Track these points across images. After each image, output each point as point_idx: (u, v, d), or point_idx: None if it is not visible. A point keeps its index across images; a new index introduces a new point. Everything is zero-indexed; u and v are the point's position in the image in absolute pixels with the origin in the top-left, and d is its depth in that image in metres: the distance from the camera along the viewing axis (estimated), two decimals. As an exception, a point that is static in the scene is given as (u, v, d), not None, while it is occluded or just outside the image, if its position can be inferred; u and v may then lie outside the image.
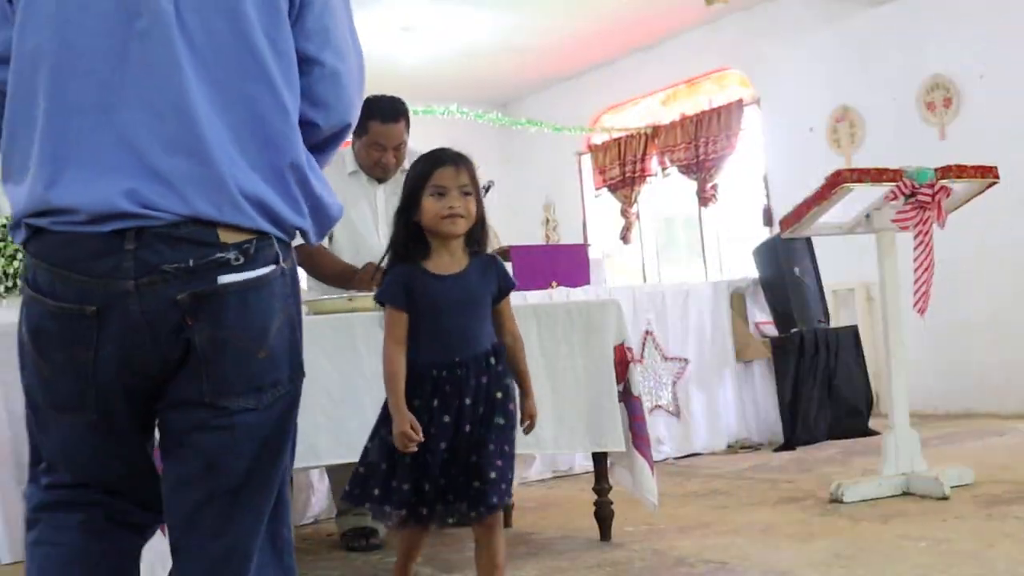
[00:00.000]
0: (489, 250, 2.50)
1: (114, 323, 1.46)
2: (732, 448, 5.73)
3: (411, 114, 3.88)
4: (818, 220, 4.00)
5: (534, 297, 4.94)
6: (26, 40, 1.49)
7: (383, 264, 2.42)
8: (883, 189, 3.87)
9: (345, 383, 3.02)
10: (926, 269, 3.87)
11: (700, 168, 8.53)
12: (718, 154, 8.38)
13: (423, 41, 7.90)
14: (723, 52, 8.40)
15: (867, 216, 4.06)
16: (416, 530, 2.46)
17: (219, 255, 1.46)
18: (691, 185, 8.68)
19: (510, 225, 9.53)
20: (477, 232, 2.39)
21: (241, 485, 1.53)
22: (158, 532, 2.28)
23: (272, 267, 1.52)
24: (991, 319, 6.55)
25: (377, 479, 2.34)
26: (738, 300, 5.98)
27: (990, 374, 6.56)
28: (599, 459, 3.58)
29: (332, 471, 3.94)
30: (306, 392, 2.65)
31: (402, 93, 3.91)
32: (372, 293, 3.21)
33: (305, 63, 1.58)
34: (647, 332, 5.52)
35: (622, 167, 9.23)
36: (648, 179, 9.16)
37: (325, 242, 3.81)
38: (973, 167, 4.03)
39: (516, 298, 4.87)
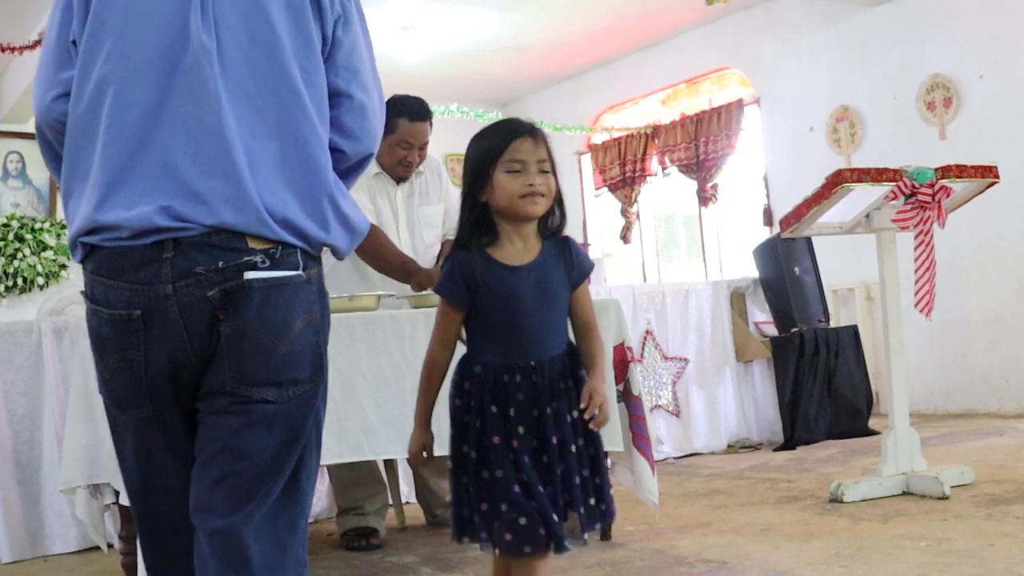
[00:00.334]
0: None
1: (157, 325, 1.61)
2: (732, 448, 5.73)
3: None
4: (818, 220, 4.00)
5: (534, 297, 4.93)
6: (89, 77, 1.65)
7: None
8: (883, 189, 3.87)
9: (345, 383, 3.02)
10: (927, 269, 3.87)
11: (700, 168, 8.53)
12: (718, 154, 8.38)
13: (423, 41, 7.90)
14: (723, 52, 8.40)
15: (867, 216, 4.06)
16: (539, 557, 2.04)
17: (247, 258, 1.60)
18: (691, 185, 8.68)
19: (510, 225, 9.56)
20: (554, 213, 2.12)
21: (255, 470, 1.63)
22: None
23: (296, 272, 1.65)
24: (991, 319, 6.55)
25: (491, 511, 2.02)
26: (738, 300, 5.98)
27: (990, 374, 6.56)
28: (599, 459, 3.58)
29: (332, 471, 3.94)
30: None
31: (402, 93, 3.92)
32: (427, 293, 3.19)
33: (335, 96, 1.74)
34: (647, 332, 5.52)
35: (622, 167, 9.23)
36: (648, 179, 9.16)
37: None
38: (973, 167, 4.03)
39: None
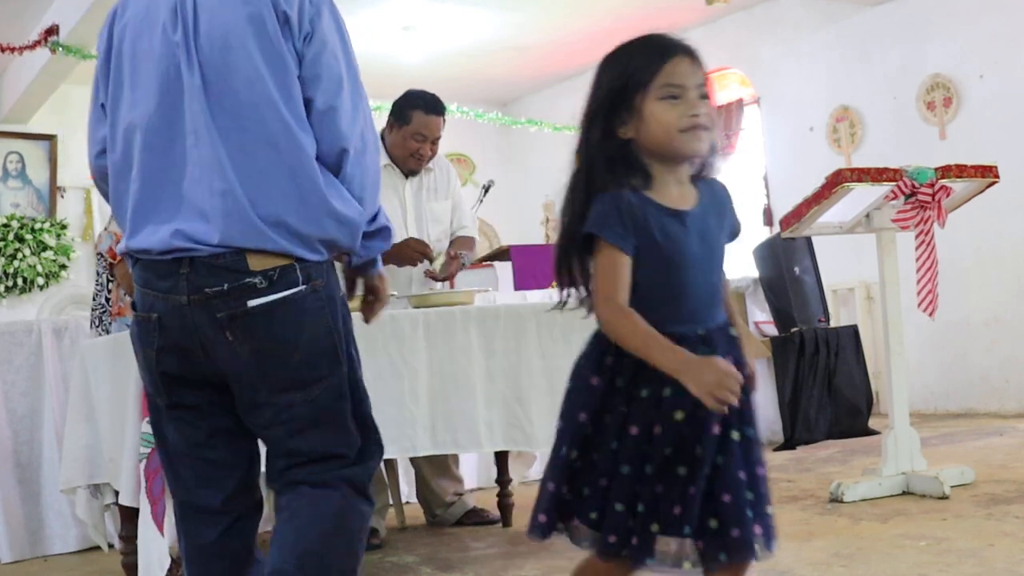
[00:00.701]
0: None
1: (172, 328, 1.88)
2: (732, 448, 5.72)
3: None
4: (818, 220, 4.00)
5: (534, 297, 4.93)
6: (117, 129, 1.95)
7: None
8: (883, 189, 3.87)
9: (345, 382, 3.02)
10: (929, 268, 3.87)
11: (700, 168, 8.51)
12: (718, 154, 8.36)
13: (423, 41, 7.89)
14: (723, 52, 8.39)
15: (867, 216, 4.05)
16: (622, 567, 1.75)
17: (247, 280, 1.84)
18: (691, 185, 8.66)
19: (510, 225, 9.56)
20: (714, 152, 1.79)
21: (319, 455, 1.90)
22: (155, 532, 2.65)
23: (296, 289, 1.87)
24: (991, 319, 6.55)
25: (594, 500, 1.70)
26: (738, 300, 5.98)
27: (990, 374, 6.56)
28: (599, 459, 3.57)
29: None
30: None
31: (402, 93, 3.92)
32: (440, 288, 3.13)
33: (308, 105, 1.92)
34: (647, 332, 5.52)
35: (622, 167, 9.21)
36: (648, 179, 9.14)
37: None
38: (973, 167, 4.03)
39: (516, 298, 4.91)
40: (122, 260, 3.50)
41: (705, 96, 1.75)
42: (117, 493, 3.03)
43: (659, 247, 1.68)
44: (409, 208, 3.91)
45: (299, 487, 1.91)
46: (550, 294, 5.09)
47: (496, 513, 4.02)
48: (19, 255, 8.24)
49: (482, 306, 3.53)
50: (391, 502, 3.98)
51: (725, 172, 8.13)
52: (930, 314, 3.87)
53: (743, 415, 1.73)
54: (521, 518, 4.02)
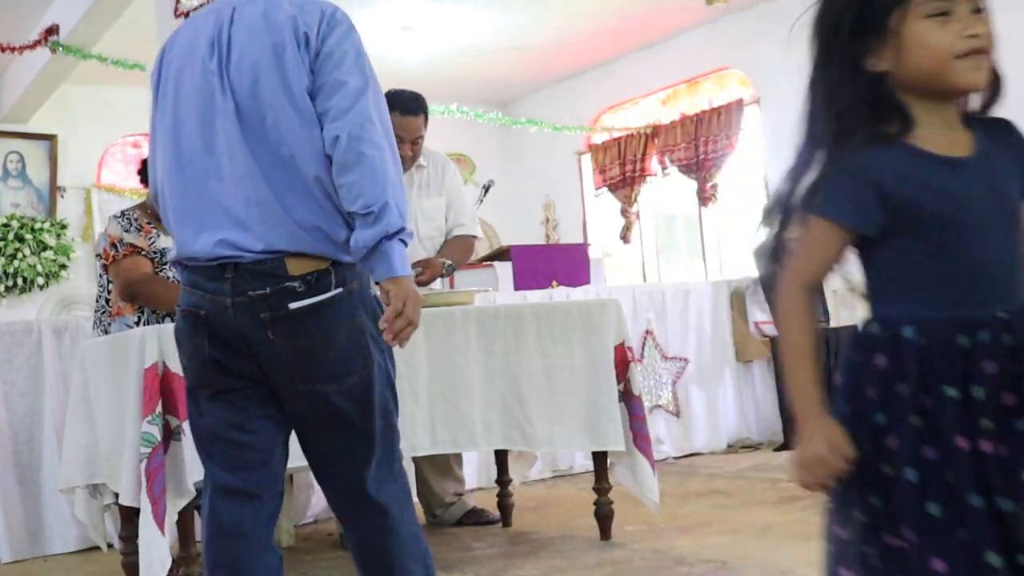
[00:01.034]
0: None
1: (217, 324, 2.07)
2: (732, 448, 5.73)
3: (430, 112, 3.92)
4: (818, 220, 3.99)
5: (534, 296, 4.94)
6: (164, 147, 2.15)
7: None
8: (883, 189, 3.86)
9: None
10: (926, 269, 3.86)
11: (700, 168, 8.53)
12: (718, 154, 8.38)
13: (423, 41, 7.89)
14: (723, 52, 8.40)
15: (867, 216, 4.05)
16: None
17: (287, 284, 2.02)
18: (691, 185, 8.67)
19: (510, 225, 9.56)
20: (997, 85, 1.43)
21: (343, 440, 2.10)
22: (155, 532, 2.68)
23: (332, 292, 2.04)
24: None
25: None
26: (738, 300, 5.98)
27: (990, 374, 6.55)
28: (599, 458, 3.58)
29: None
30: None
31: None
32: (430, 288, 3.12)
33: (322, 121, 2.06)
34: (647, 332, 5.52)
35: (622, 167, 9.23)
36: (648, 179, 9.15)
37: None
38: (973, 167, 4.02)
39: (516, 298, 4.91)
40: (115, 261, 3.50)
41: (980, 10, 1.43)
42: (117, 493, 3.03)
43: (931, 209, 1.32)
44: None
45: (356, 521, 2.17)
46: (550, 294, 5.09)
47: (496, 513, 4.02)
48: (19, 255, 8.24)
49: (482, 306, 3.53)
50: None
51: (726, 172, 8.10)
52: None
53: None
54: (521, 518, 4.03)
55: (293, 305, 2.02)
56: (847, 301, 7.08)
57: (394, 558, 2.14)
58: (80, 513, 3.39)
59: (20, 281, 8.24)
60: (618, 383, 3.47)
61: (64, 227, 8.54)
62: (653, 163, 9.08)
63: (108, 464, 3.08)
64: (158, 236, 3.55)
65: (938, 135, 1.36)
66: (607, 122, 9.55)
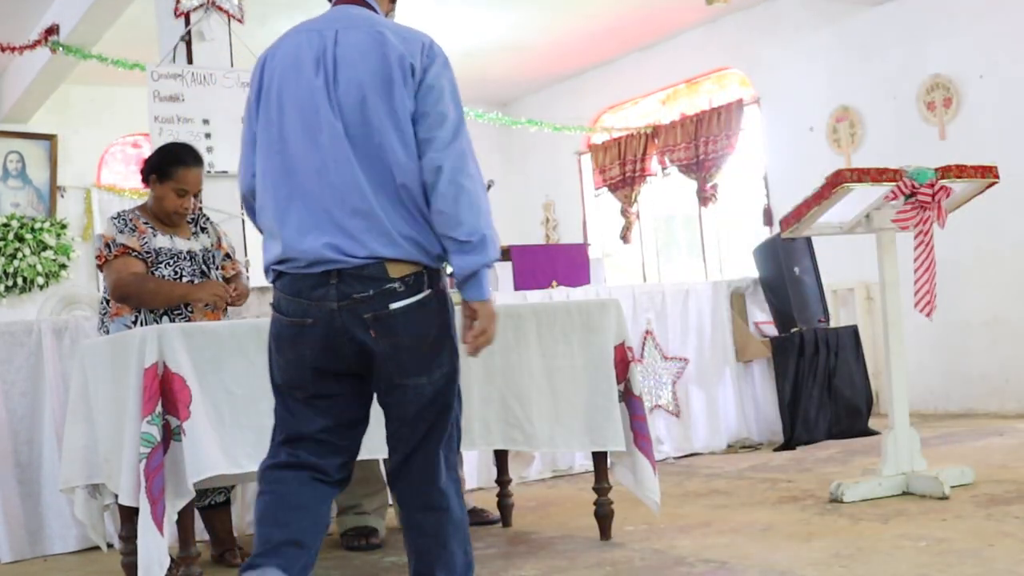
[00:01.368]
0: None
1: (324, 330, 2.28)
2: (732, 448, 5.73)
3: None
4: (818, 220, 4.00)
5: (534, 296, 4.94)
6: (267, 156, 2.36)
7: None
8: (883, 189, 3.87)
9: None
10: (927, 269, 3.87)
11: (700, 168, 8.52)
12: (718, 154, 8.38)
13: None
14: (723, 52, 8.40)
15: (867, 216, 4.06)
16: None
17: (388, 286, 2.25)
18: (691, 185, 8.67)
19: (510, 225, 9.55)
20: None
21: (421, 431, 2.33)
22: (155, 532, 2.68)
23: (425, 293, 2.29)
24: (991, 319, 6.55)
25: None
26: (738, 300, 5.98)
27: (990, 374, 6.56)
28: (599, 458, 3.58)
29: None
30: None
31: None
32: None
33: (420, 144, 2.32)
34: (647, 332, 5.52)
35: (622, 167, 9.22)
36: (648, 179, 9.15)
37: None
38: (973, 167, 4.02)
39: (516, 297, 4.90)
40: (107, 262, 3.51)
41: None
42: (116, 493, 3.03)
43: None
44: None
45: (419, 507, 2.35)
46: (550, 294, 5.09)
47: (496, 513, 4.02)
48: (19, 255, 8.24)
49: (482, 306, 3.52)
50: (391, 502, 3.98)
51: (726, 172, 8.14)
52: (927, 315, 3.87)
53: None
54: (521, 518, 4.02)
55: (393, 305, 2.26)
56: (847, 301, 7.08)
57: (445, 541, 2.34)
58: (80, 513, 3.39)
59: (20, 281, 8.24)
60: (618, 383, 3.46)
61: (64, 227, 8.54)
62: (653, 163, 9.08)
63: (107, 464, 3.08)
64: (154, 236, 3.55)
65: None
66: (607, 122, 9.54)
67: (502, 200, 8.00)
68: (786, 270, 5.81)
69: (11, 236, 8.22)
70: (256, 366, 2.95)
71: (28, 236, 8.29)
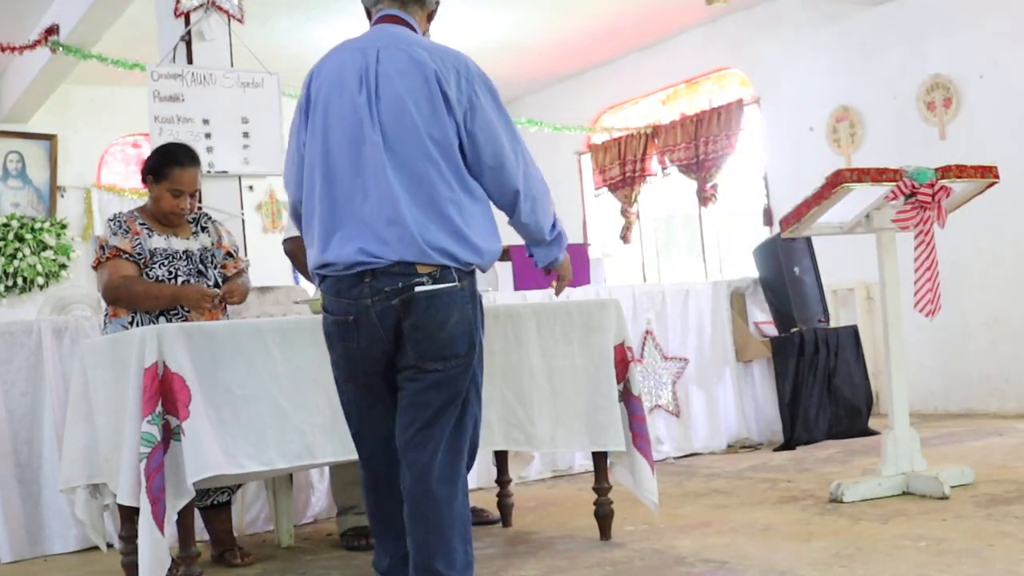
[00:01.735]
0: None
1: (364, 325, 2.51)
2: (732, 448, 5.73)
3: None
4: (818, 220, 4.00)
5: (534, 297, 4.94)
6: (314, 167, 2.54)
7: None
8: (883, 189, 3.87)
9: (345, 382, 3.02)
10: (928, 269, 3.86)
11: (700, 168, 8.52)
12: (718, 154, 8.38)
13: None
14: (723, 52, 8.40)
15: (867, 216, 4.05)
16: None
17: (417, 279, 2.46)
18: (691, 185, 8.67)
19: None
20: None
21: (429, 415, 2.49)
22: (155, 532, 2.71)
23: (450, 284, 2.48)
24: (991, 319, 6.55)
25: None
26: (738, 300, 5.98)
27: (990, 374, 6.56)
28: (599, 458, 3.58)
29: (332, 470, 3.95)
30: (305, 393, 2.66)
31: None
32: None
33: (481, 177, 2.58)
34: (647, 332, 5.52)
35: (622, 167, 9.22)
36: (648, 179, 9.15)
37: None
38: (973, 167, 4.02)
39: (516, 297, 4.90)
40: (100, 264, 3.51)
41: None
42: (116, 493, 3.03)
43: None
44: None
45: (417, 489, 2.48)
46: (549, 294, 5.09)
47: (496, 513, 4.02)
48: (19, 255, 8.24)
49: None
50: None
51: (726, 172, 8.14)
52: (929, 315, 3.87)
53: None
54: (521, 518, 4.02)
55: (419, 289, 2.45)
56: (847, 301, 7.08)
57: (446, 534, 2.46)
58: (80, 513, 3.39)
59: (20, 281, 8.24)
60: (618, 383, 3.46)
61: (64, 227, 8.54)
62: (653, 163, 9.08)
63: (108, 464, 3.08)
64: (149, 236, 3.55)
65: None
66: (607, 122, 9.54)
67: (502, 200, 7.99)
68: (786, 270, 5.82)
69: (11, 236, 8.22)
70: (256, 366, 2.96)
71: (28, 236, 8.29)
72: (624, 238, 9.38)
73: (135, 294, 3.47)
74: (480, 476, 4.83)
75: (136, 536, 2.81)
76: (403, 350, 2.50)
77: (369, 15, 2.72)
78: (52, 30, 6.59)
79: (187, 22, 5.47)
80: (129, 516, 3.16)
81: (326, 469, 4.18)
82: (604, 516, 3.57)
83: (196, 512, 3.19)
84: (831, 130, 7.49)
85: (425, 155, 2.46)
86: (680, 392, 5.61)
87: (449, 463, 2.49)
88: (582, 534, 3.66)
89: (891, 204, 3.94)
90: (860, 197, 3.93)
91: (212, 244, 3.70)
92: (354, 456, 3.07)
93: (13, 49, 6.78)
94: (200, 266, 3.62)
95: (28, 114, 8.29)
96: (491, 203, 2.62)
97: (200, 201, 3.92)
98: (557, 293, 2.90)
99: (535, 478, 5.01)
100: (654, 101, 9.28)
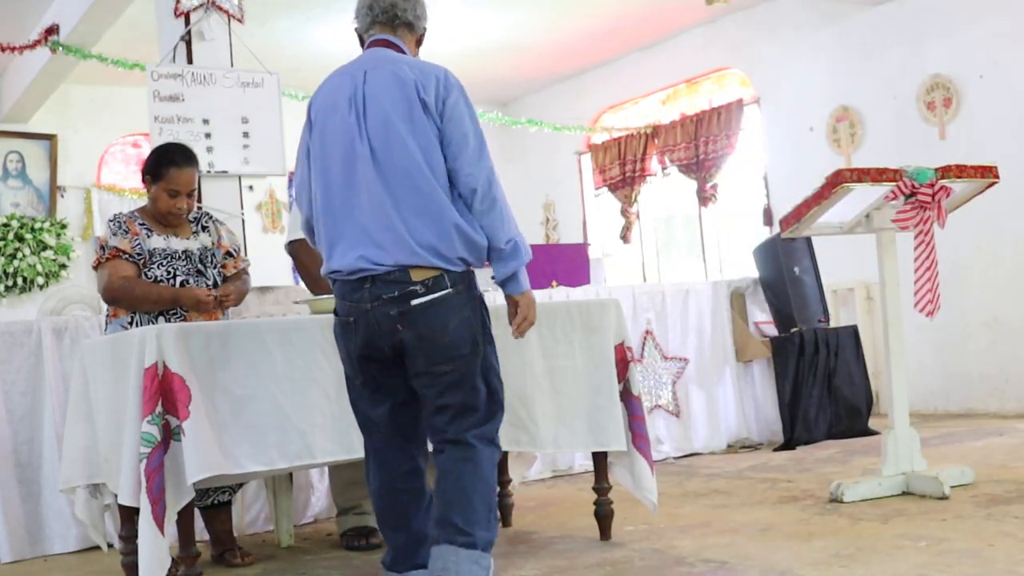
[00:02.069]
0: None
1: (362, 326, 2.71)
2: (732, 448, 5.73)
3: None
4: (818, 220, 4.00)
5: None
6: (319, 186, 2.77)
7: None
8: (883, 189, 3.87)
9: (342, 383, 3.01)
10: (928, 269, 3.86)
11: (700, 168, 8.53)
12: (718, 154, 8.38)
13: (423, 41, 7.87)
14: (723, 52, 8.40)
15: (867, 216, 4.06)
16: None
17: (411, 288, 2.65)
18: (691, 185, 8.67)
19: (510, 225, 9.55)
20: None
21: (455, 412, 2.70)
22: (155, 532, 2.67)
23: (444, 291, 2.66)
24: (991, 319, 6.55)
25: None
26: (738, 300, 5.98)
27: (990, 374, 6.56)
28: (599, 458, 3.58)
29: (332, 470, 3.94)
30: (305, 393, 2.65)
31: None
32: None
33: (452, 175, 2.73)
34: (647, 332, 5.52)
35: (622, 167, 9.22)
36: (648, 179, 9.15)
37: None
38: (973, 167, 4.03)
39: (516, 298, 4.89)
40: (100, 265, 3.51)
41: None
42: (116, 493, 3.03)
43: None
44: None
45: (447, 449, 2.69)
46: (551, 294, 5.09)
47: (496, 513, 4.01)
48: (19, 255, 8.24)
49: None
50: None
51: (726, 172, 8.15)
52: (930, 315, 3.86)
53: None
54: (521, 518, 4.02)
55: (415, 302, 2.64)
56: (847, 301, 7.08)
57: (467, 491, 2.64)
58: (80, 513, 3.39)
59: (20, 281, 8.23)
60: (618, 383, 3.46)
61: (64, 227, 8.54)
62: (653, 163, 9.08)
63: (108, 464, 3.08)
64: (148, 236, 3.55)
65: None
66: (607, 122, 9.54)
67: (502, 200, 7.99)
68: (786, 270, 5.82)
69: (11, 236, 8.22)
70: (256, 366, 2.95)
71: (28, 236, 8.29)
72: (624, 238, 9.38)
73: (135, 296, 3.48)
74: (480, 476, 4.83)
75: (136, 536, 2.81)
76: (410, 356, 2.69)
77: (362, 41, 2.90)
78: (52, 30, 6.59)
79: (187, 22, 5.47)
80: (129, 516, 3.16)
81: (326, 469, 4.18)
82: (604, 516, 3.57)
83: (196, 512, 3.19)
84: (831, 130, 7.49)
85: (412, 162, 2.65)
86: (680, 392, 5.61)
87: (480, 442, 2.70)
88: (582, 534, 3.66)
89: (891, 204, 3.94)
90: (860, 197, 3.93)
91: (212, 244, 3.69)
92: (354, 456, 3.07)
93: (13, 49, 6.77)
94: (199, 266, 3.62)
95: (28, 114, 8.29)
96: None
97: (200, 201, 3.92)
98: (515, 334, 2.80)
99: (535, 478, 5.01)
100: (654, 101, 9.28)
